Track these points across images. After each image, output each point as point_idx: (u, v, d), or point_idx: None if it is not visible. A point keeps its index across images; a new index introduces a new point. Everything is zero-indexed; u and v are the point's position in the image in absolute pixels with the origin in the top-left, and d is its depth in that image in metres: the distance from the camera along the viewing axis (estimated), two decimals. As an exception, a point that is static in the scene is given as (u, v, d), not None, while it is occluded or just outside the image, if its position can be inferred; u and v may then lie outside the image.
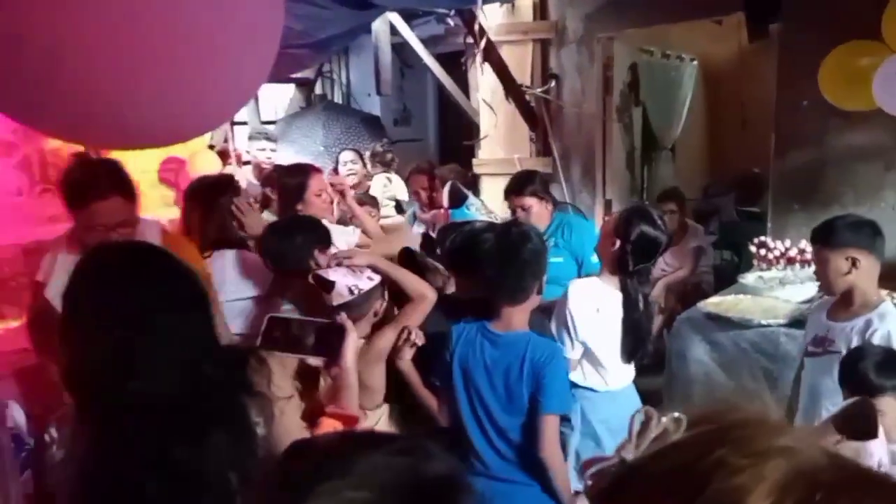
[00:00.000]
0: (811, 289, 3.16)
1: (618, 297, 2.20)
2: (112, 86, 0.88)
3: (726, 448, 0.41)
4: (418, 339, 1.91)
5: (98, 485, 0.99)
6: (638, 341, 2.20)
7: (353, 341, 1.47)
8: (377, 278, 1.87)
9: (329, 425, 1.37)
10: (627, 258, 2.15)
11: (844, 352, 2.06)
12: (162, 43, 0.88)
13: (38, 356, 2.27)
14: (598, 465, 0.45)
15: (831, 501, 0.37)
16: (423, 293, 1.92)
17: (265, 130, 4.59)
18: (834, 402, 2.04)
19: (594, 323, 2.19)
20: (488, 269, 1.91)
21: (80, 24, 0.84)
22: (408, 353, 1.92)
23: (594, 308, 2.19)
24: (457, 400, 1.92)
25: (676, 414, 0.46)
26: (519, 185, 2.97)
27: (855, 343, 2.07)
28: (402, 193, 4.43)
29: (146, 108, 0.94)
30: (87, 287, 1.08)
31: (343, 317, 1.53)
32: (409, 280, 1.94)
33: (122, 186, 1.91)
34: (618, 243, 2.18)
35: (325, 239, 2.20)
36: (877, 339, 2.03)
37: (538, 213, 2.87)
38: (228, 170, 3.80)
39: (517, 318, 1.91)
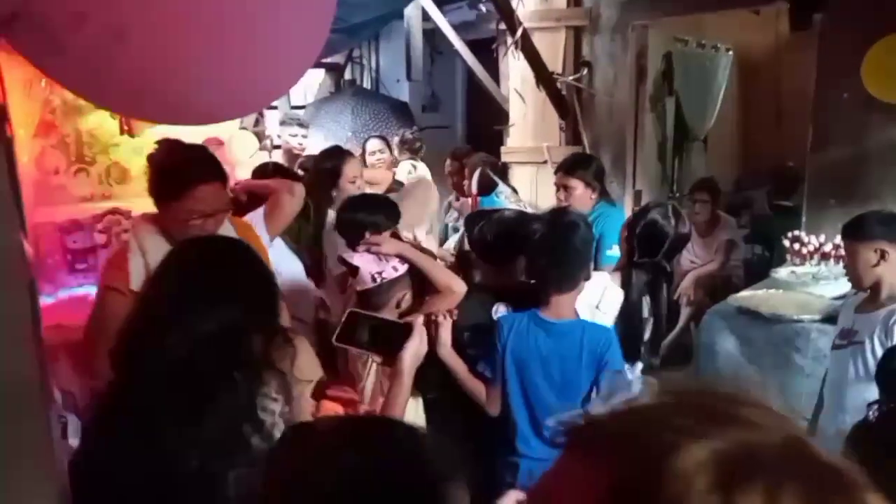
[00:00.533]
0: (845, 285, 3.09)
1: (621, 296, 2.19)
2: (173, 63, 0.90)
3: (682, 413, 0.40)
4: (449, 317, 1.89)
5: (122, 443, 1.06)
6: (632, 339, 2.13)
7: (414, 345, 1.44)
8: (403, 268, 1.85)
9: (329, 408, 1.38)
10: (633, 250, 2.16)
11: (867, 342, 2.10)
12: (221, 21, 0.89)
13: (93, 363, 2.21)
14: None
15: (775, 483, 0.36)
16: (451, 286, 1.89)
17: (297, 116, 4.61)
18: (856, 392, 2.07)
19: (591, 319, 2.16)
20: (540, 258, 1.90)
21: (144, 7, 0.85)
22: (447, 339, 1.90)
23: (593, 304, 2.15)
24: (508, 388, 1.92)
25: (645, 377, 0.47)
26: (570, 166, 2.92)
27: (878, 333, 2.10)
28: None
29: (206, 84, 0.95)
30: (181, 273, 1.22)
31: (418, 321, 1.50)
32: (438, 272, 1.91)
33: (222, 172, 1.87)
34: (625, 234, 2.22)
35: (376, 224, 2.17)
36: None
37: (580, 196, 2.80)
38: (262, 155, 3.82)
39: (566, 305, 1.91)
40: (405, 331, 1.44)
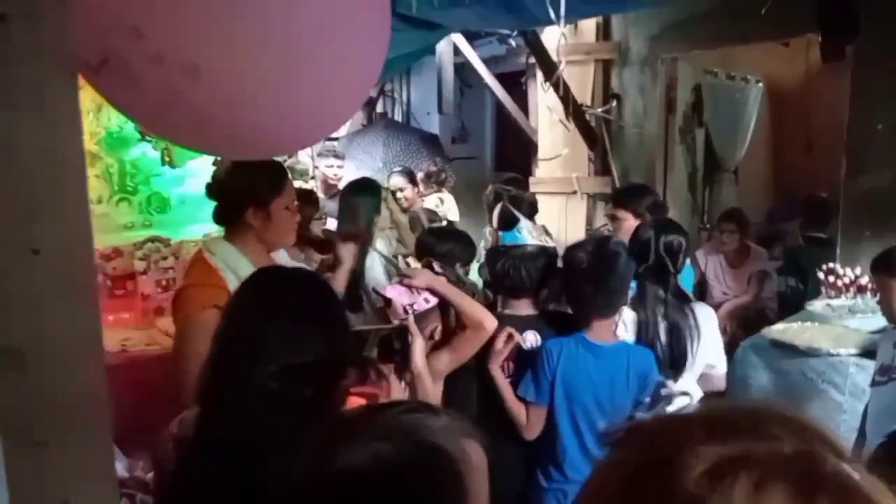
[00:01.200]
0: (883, 318, 3.04)
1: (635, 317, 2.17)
2: (239, 97, 0.96)
3: (706, 423, 0.45)
4: (520, 342, 1.96)
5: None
6: (655, 350, 2.09)
7: (419, 345, 1.47)
8: (434, 300, 1.87)
9: (354, 402, 1.40)
10: (636, 275, 2.14)
11: None
12: (286, 57, 0.95)
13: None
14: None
15: (763, 480, 0.39)
16: (483, 321, 1.87)
17: (333, 148, 4.71)
18: None
19: None
20: (585, 285, 1.95)
21: (213, 43, 0.92)
22: (501, 358, 1.96)
23: None
24: (556, 414, 1.95)
25: (685, 389, 0.50)
26: (620, 196, 2.93)
27: None
28: (454, 213, 4.45)
29: (270, 117, 1.01)
30: (265, 303, 1.22)
31: (409, 320, 1.53)
32: (468, 306, 1.90)
33: None
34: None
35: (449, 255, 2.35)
36: None
37: (628, 228, 2.71)
38: (298, 184, 3.91)
39: (607, 329, 1.97)
40: (407, 336, 1.47)
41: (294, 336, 1.15)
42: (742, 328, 3.96)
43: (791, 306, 3.77)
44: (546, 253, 2.19)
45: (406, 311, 1.84)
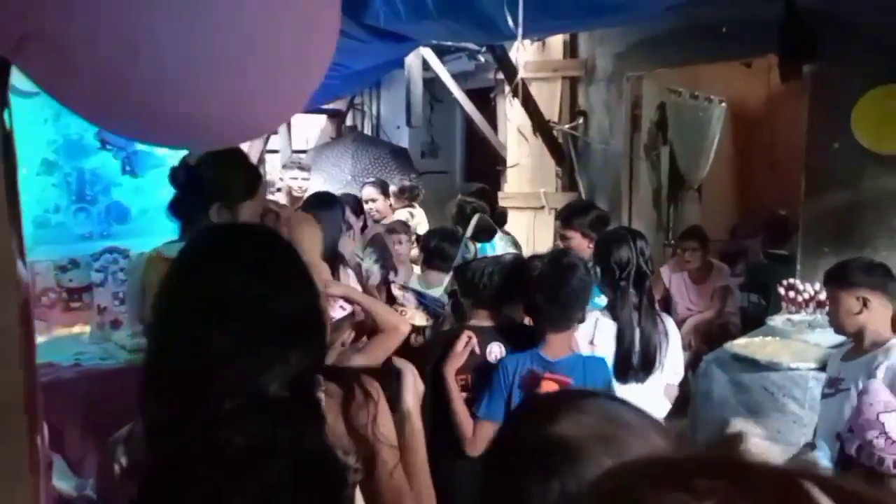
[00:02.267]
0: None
1: (613, 326, 2.18)
2: (184, 82, 0.92)
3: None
4: (476, 348, 1.97)
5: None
6: (625, 359, 2.11)
7: (411, 383, 1.42)
8: (349, 308, 1.91)
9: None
10: (615, 282, 2.17)
11: (853, 389, 2.08)
12: (228, 43, 0.92)
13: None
14: None
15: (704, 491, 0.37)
16: (396, 325, 1.93)
17: (299, 160, 4.67)
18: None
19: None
20: (538, 296, 1.94)
21: (154, 23, 0.88)
22: (458, 362, 1.96)
23: (587, 340, 2.16)
24: None
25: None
26: (567, 216, 2.97)
27: (861, 379, 2.08)
28: (424, 227, 4.44)
29: (214, 106, 0.98)
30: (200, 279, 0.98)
31: (401, 362, 1.52)
32: (382, 311, 1.96)
33: None
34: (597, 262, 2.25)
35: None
36: (881, 372, 2.03)
37: (577, 246, 2.83)
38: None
39: (563, 343, 1.96)
40: (397, 373, 1.44)
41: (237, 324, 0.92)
42: (705, 343, 4.01)
43: (753, 321, 3.83)
44: (519, 263, 2.20)
45: None
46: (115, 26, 0.87)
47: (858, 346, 2.18)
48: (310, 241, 1.80)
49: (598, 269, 2.24)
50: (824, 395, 2.30)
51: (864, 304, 2.10)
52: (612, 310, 2.18)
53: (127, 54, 0.87)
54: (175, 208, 1.83)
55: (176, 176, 1.81)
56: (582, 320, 1.99)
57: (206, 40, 0.91)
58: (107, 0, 0.88)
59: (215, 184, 1.73)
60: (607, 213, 3.28)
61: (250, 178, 1.80)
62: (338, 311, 1.88)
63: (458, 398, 1.99)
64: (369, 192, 4.30)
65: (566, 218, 2.96)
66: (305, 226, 1.86)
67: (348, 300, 1.91)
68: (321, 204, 3.04)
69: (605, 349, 2.15)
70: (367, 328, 1.96)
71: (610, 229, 2.69)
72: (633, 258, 2.14)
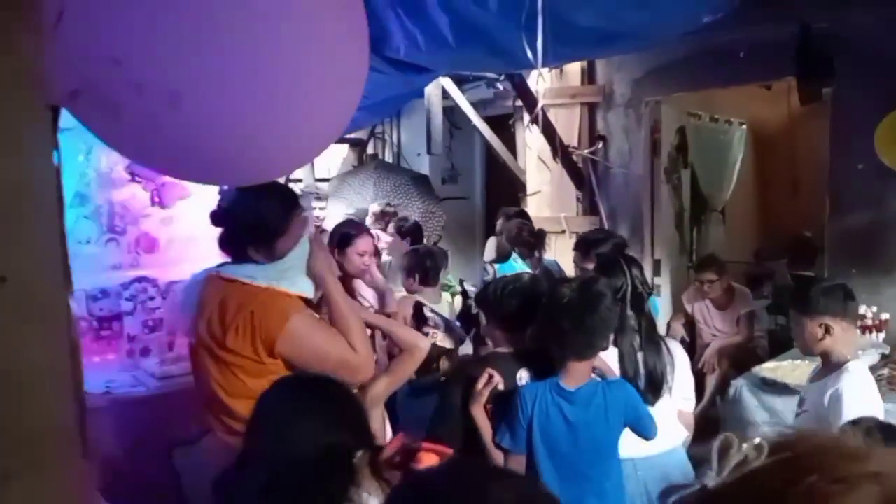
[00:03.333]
0: (873, 356, 3.04)
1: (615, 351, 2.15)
2: (221, 126, 0.97)
3: (816, 475, 0.41)
4: (500, 384, 1.92)
5: None
6: (636, 379, 2.07)
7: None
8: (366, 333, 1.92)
9: (428, 459, 1.40)
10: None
11: (811, 412, 2.13)
12: (264, 86, 0.97)
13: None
14: (677, 493, 0.47)
15: None
16: (415, 343, 1.96)
17: (316, 189, 4.71)
18: None
19: None
20: (563, 323, 1.88)
21: (195, 71, 0.93)
22: (482, 400, 1.92)
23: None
24: (538, 464, 1.88)
25: (758, 440, 0.47)
26: (584, 247, 2.97)
27: (816, 402, 2.12)
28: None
29: (251, 147, 1.03)
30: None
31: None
32: (400, 331, 2.00)
33: None
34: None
35: None
36: (828, 398, 2.06)
37: None
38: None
39: (583, 371, 1.91)
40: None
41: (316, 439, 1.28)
42: (733, 366, 3.95)
43: (781, 344, 3.77)
44: (538, 283, 2.18)
45: None
46: (158, 77, 0.92)
47: (825, 368, 2.20)
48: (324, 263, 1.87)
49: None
50: (796, 415, 2.32)
51: (827, 330, 2.10)
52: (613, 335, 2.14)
53: (169, 102, 0.92)
54: (223, 246, 1.89)
55: (215, 219, 1.85)
56: (605, 347, 1.95)
57: (244, 86, 0.96)
58: (152, 53, 0.94)
59: (246, 226, 1.79)
60: (624, 239, 3.27)
61: (280, 214, 1.81)
62: None
63: (487, 434, 1.94)
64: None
65: (585, 250, 2.94)
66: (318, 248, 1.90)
67: (365, 323, 1.93)
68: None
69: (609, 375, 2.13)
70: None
71: (602, 255, 2.67)
72: (627, 282, 2.12)
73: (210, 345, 1.77)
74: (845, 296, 2.16)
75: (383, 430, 1.94)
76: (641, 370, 2.09)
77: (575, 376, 1.90)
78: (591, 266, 2.81)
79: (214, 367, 1.79)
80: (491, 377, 1.92)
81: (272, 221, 1.79)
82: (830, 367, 2.16)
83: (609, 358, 2.09)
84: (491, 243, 3.51)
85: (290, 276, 1.83)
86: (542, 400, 1.89)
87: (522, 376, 2.01)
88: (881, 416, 2.04)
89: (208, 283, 1.85)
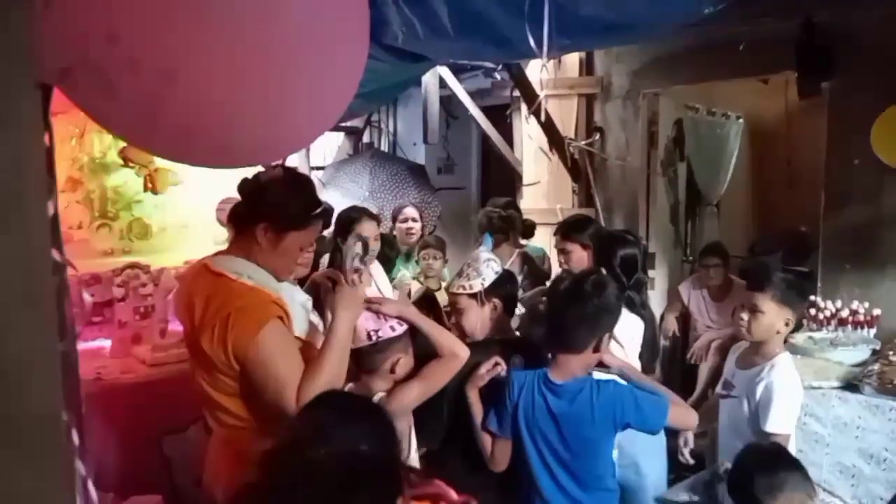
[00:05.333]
0: (864, 352, 3.05)
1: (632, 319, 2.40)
2: (217, 105, 0.95)
3: None
4: (503, 372, 1.92)
5: None
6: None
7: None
8: (401, 329, 1.82)
9: None
10: (622, 281, 2.36)
11: (742, 399, 2.24)
12: (262, 66, 0.95)
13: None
14: None
15: None
16: (455, 351, 1.83)
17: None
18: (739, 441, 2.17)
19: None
20: (555, 314, 1.91)
21: (192, 48, 0.91)
22: (481, 383, 1.93)
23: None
24: (523, 448, 1.91)
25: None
26: (566, 229, 3.03)
27: (746, 390, 2.22)
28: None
29: (247, 127, 1.01)
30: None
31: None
32: (441, 336, 1.86)
33: None
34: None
35: None
36: (760, 389, 2.17)
37: (578, 259, 2.89)
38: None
39: (575, 364, 1.89)
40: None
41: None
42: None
43: (774, 339, 3.78)
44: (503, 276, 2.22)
45: (370, 337, 1.79)
46: (155, 53, 0.90)
47: (754, 354, 2.28)
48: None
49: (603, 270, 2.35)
50: (720, 396, 2.41)
51: (786, 324, 2.22)
52: (630, 305, 2.36)
53: (166, 79, 0.90)
54: (233, 215, 1.85)
55: (244, 186, 1.81)
56: (598, 349, 1.91)
57: (241, 64, 0.94)
58: (148, 28, 0.92)
59: (266, 204, 1.75)
60: (604, 226, 3.33)
61: (303, 209, 1.79)
62: (386, 329, 1.80)
63: (479, 416, 1.97)
64: (411, 212, 4.09)
65: (565, 231, 3.02)
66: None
67: (403, 319, 1.83)
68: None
69: (631, 349, 2.35)
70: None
71: (611, 232, 2.85)
72: (639, 257, 2.41)
73: (196, 340, 1.74)
74: (802, 294, 2.30)
75: (408, 440, 1.83)
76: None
77: (564, 369, 1.89)
78: (572, 246, 2.93)
79: (201, 362, 1.76)
80: (496, 364, 1.93)
81: (295, 210, 1.77)
82: (761, 355, 2.25)
83: (634, 326, 2.32)
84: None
85: (283, 290, 1.80)
86: (529, 388, 1.90)
87: (515, 362, 2.02)
88: (799, 408, 2.25)
89: (198, 276, 1.82)
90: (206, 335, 1.68)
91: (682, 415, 1.96)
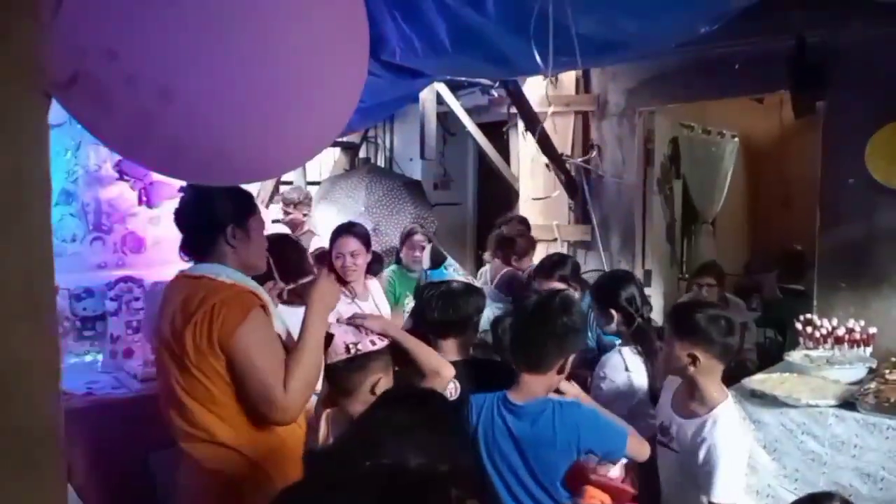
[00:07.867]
0: (861, 370, 3.05)
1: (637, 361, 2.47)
2: (212, 123, 0.95)
3: None
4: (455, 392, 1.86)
5: None
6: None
7: None
8: (381, 344, 1.78)
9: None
10: (634, 320, 2.45)
11: (685, 453, 2.06)
12: (260, 85, 0.95)
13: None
14: None
15: None
16: (438, 369, 1.81)
17: (282, 194, 4.85)
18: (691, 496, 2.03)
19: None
20: (515, 328, 1.85)
21: (189, 66, 0.92)
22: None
23: (621, 367, 2.46)
24: (487, 473, 1.83)
25: None
26: (548, 269, 3.12)
27: (689, 447, 2.05)
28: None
29: (245, 145, 1.01)
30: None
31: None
32: (424, 353, 1.83)
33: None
34: (614, 313, 2.51)
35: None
36: (703, 451, 1.99)
37: None
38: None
39: (536, 387, 1.83)
40: None
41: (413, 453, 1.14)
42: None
43: (770, 357, 3.77)
44: (471, 290, 2.16)
45: (349, 350, 1.75)
46: (152, 69, 0.90)
47: (690, 398, 2.11)
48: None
49: (602, 310, 2.51)
50: (658, 442, 2.19)
51: (693, 360, 2.02)
52: (637, 342, 2.44)
53: (162, 96, 0.90)
54: (191, 246, 1.88)
55: (182, 217, 1.87)
56: (562, 371, 1.85)
57: (238, 83, 0.94)
58: (147, 45, 0.92)
59: (223, 210, 1.81)
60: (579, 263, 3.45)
61: (243, 196, 1.89)
62: (366, 342, 1.77)
63: None
64: (420, 240, 3.96)
65: (548, 271, 3.10)
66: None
67: (385, 335, 1.80)
68: None
69: (639, 376, 2.44)
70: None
71: (608, 271, 2.93)
72: (637, 295, 2.43)
73: (172, 346, 1.73)
74: (725, 331, 2.04)
75: None
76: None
77: (525, 390, 1.83)
78: (555, 284, 2.95)
79: (176, 369, 1.73)
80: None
81: (238, 198, 1.86)
82: (697, 403, 2.08)
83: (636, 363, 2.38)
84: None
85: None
86: (488, 410, 1.84)
87: (449, 388, 1.93)
88: (746, 459, 2.19)
89: (173, 284, 1.86)
90: (190, 330, 1.68)
91: (637, 446, 1.91)
